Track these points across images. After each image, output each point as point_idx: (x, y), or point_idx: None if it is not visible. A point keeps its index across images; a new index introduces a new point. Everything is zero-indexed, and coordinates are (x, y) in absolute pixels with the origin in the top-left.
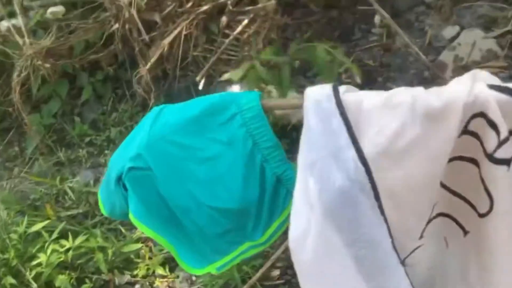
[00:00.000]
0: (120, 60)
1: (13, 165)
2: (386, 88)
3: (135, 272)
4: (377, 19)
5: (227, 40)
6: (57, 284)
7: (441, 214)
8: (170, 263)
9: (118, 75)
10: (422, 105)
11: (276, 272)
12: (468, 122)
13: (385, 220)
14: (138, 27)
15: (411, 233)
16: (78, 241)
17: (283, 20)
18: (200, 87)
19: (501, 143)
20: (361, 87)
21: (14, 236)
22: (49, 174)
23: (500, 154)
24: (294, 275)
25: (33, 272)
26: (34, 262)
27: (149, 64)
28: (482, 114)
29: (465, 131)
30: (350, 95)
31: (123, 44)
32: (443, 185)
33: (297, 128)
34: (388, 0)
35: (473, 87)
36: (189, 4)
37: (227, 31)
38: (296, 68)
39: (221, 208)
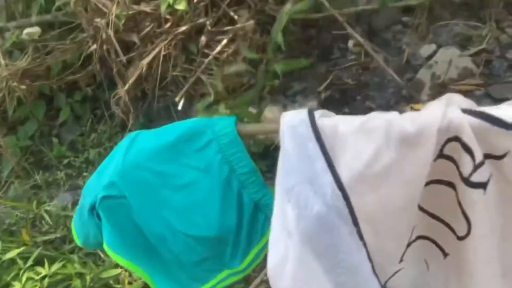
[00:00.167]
0: (98, 80)
1: None
2: (365, 106)
3: None
4: (350, 43)
5: (206, 60)
6: None
7: (420, 237)
8: None
9: (96, 95)
10: (397, 130)
11: None
12: (443, 146)
13: (364, 245)
14: (116, 48)
15: (391, 257)
16: (55, 267)
17: (262, 39)
18: (180, 107)
19: (476, 167)
20: (341, 105)
21: None
22: (26, 198)
23: (476, 178)
24: None
25: None
26: None
27: (127, 85)
28: (457, 138)
29: (441, 155)
30: (326, 119)
31: (101, 64)
32: (421, 208)
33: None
34: (365, 19)
35: (447, 111)
36: (168, 25)
37: (206, 51)
38: (276, 87)
39: (198, 236)
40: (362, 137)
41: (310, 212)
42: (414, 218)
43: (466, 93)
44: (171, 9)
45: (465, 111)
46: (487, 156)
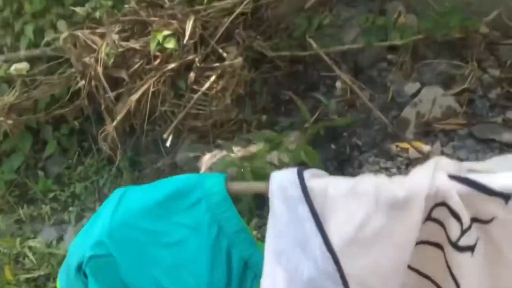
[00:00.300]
0: (86, 114)
1: None
2: (351, 143)
3: None
4: (338, 84)
5: (195, 96)
6: None
7: None
8: None
9: (84, 128)
10: (386, 195)
11: None
12: (431, 210)
13: None
14: (104, 85)
15: None
16: None
17: (250, 75)
18: (168, 143)
19: (463, 232)
20: (327, 142)
21: None
22: (9, 233)
23: (464, 242)
24: None
25: None
26: None
27: (115, 122)
28: (444, 204)
29: (429, 218)
30: (316, 181)
31: (90, 99)
32: (411, 268)
33: None
34: (351, 56)
35: (434, 177)
36: (157, 62)
37: (195, 87)
38: (263, 122)
39: None
40: (352, 201)
41: (301, 276)
42: (404, 278)
43: (450, 132)
44: (161, 47)
45: (451, 177)
46: (474, 220)
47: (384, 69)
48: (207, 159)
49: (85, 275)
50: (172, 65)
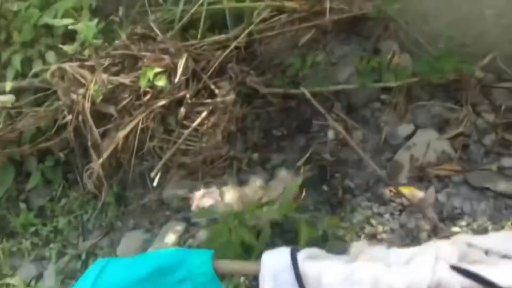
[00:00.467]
0: (72, 146)
1: None
2: (344, 185)
3: None
4: (331, 133)
5: (186, 132)
6: None
7: None
8: None
9: (70, 159)
10: (385, 287)
11: None
12: None
13: None
14: (91, 123)
15: None
16: None
17: (242, 111)
18: (155, 183)
19: None
20: (319, 183)
21: None
22: None
23: None
24: None
25: None
26: None
27: (101, 159)
28: None
29: None
30: (310, 265)
31: (76, 133)
32: None
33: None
34: (344, 95)
35: (436, 268)
36: (147, 97)
37: (185, 122)
38: (255, 160)
39: None
40: None
41: None
42: None
43: (444, 178)
44: (151, 84)
45: (454, 268)
46: None
47: (378, 109)
48: (199, 197)
49: None
50: (162, 102)
